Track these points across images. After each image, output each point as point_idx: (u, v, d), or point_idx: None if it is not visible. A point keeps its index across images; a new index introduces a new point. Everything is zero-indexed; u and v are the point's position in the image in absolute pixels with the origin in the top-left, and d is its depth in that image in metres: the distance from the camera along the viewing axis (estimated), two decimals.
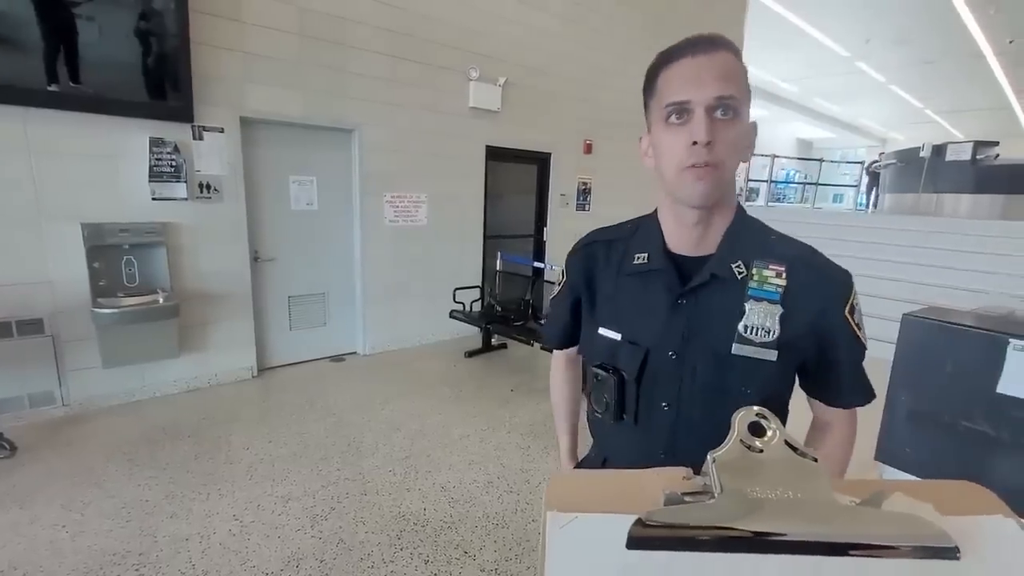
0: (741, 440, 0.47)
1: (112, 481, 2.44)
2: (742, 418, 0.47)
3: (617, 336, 0.81)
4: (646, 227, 0.83)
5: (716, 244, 0.77)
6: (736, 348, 0.73)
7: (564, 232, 5.77)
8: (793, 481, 0.45)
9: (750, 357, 0.73)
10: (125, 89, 3.01)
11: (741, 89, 0.69)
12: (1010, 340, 2.21)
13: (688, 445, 0.78)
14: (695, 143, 0.67)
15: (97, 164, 3.01)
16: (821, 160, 12.89)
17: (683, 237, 0.78)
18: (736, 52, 0.71)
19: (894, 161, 9.92)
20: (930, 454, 2.50)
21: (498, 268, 4.87)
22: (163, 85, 3.13)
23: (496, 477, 2.62)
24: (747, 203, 10.16)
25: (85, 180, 2.99)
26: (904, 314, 2.58)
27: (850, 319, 0.75)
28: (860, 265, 5.77)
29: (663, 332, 0.77)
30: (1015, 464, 2.23)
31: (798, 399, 0.85)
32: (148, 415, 3.14)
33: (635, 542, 0.44)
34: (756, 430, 0.47)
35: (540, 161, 5.60)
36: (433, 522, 2.24)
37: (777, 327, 0.72)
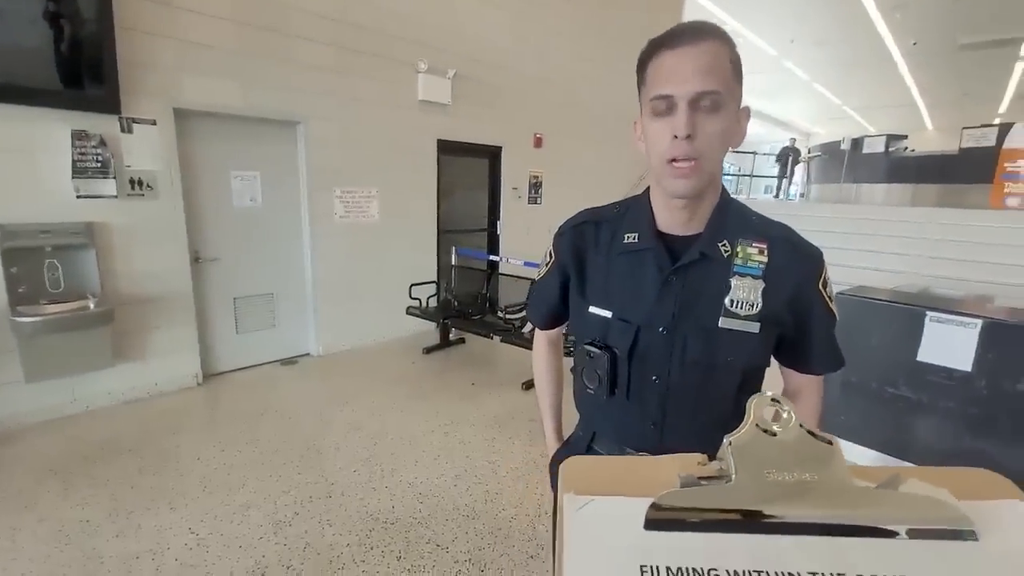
0: (756, 424, 0.46)
1: (45, 503, 2.25)
2: (757, 403, 0.47)
3: (608, 314, 0.84)
4: (636, 208, 0.86)
5: (703, 224, 0.81)
6: (723, 322, 0.78)
7: (517, 225, 5.82)
8: (809, 464, 0.45)
9: (735, 330, 0.78)
10: (39, 77, 2.75)
11: (726, 80, 0.71)
12: (928, 313, 2.45)
13: (677, 416, 0.82)
14: (676, 136, 0.70)
15: (9, 159, 2.74)
16: (754, 153, 13.64)
17: (672, 218, 0.82)
18: (724, 40, 0.73)
19: (819, 153, 10.67)
20: (861, 420, 2.73)
21: (453, 263, 4.84)
22: (85, 73, 2.88)
23: (463, 470, 2.63)
24: None
25: None
26: (837, 292, 2.80)
27: (823, 291, 0.81)
28: None
29: (653, 309, 0.81)
30: (934, 423, 2.48)
31: (770, 373, 0.91)
32: (81, 431, 2.90)
33: (653, 523, 0.44)
34: (770, 414, 0.48)
35: (491, 155, 5.60)
36: (403, 519, 2.22)
37: (760, 301, 0.78)
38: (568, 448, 1.02)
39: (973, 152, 7.30)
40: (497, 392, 3.65)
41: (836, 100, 15.43)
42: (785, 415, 0.47)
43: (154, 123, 3.19)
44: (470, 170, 5.57)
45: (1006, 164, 6.60)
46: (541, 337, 1.09)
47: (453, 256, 4.84)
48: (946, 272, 5.18)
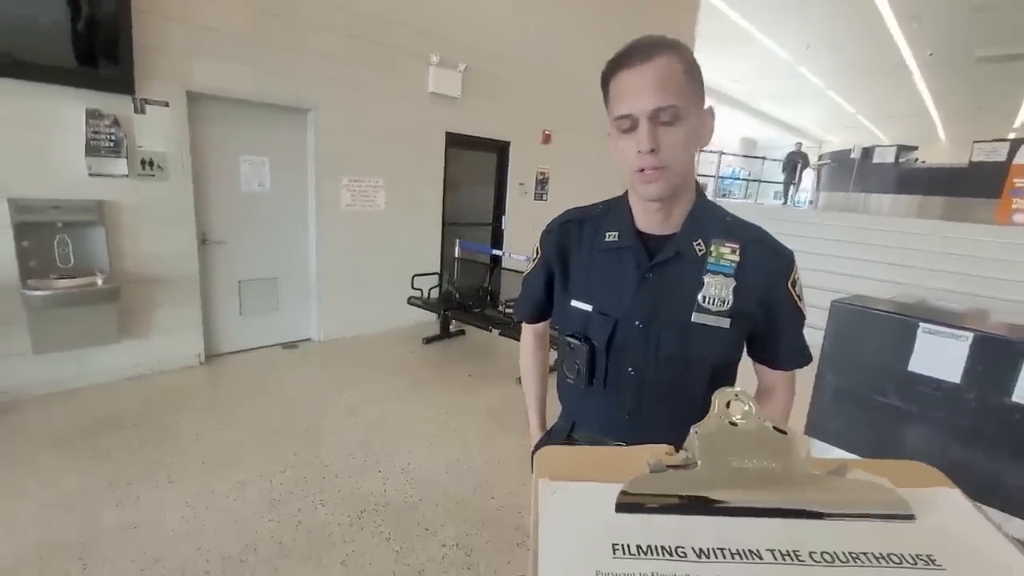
0: (720, 416, 0.50)
1: (48, 470, 2.32)
2: (721, 396, 0.50)
3: (589, 308, 0.88)
4: (617, 208, 0.91)
5: (679, 224, 0.85)
6: (695, 316, 0.82)
7: (522, 221, 5.85)
8: (768, 452, 0.48)
9: (707, 324, 0.82)
10: (56, 55, 2.80)
11: (681, 91, 0.74)
12: (920, 324, 2.47)
13: (651, 406, 0.86)
14: (640, 152, 0.75)
15: (25, 134, 2.80)
16: (764, 158, 13.59)
17: (649, 218, 0.86)
18: (676, 51, 0.75)
19: (829, 161, 10.63)
20: (850, 427, 2.76)
21: (456, 255, 4.89)
22: (101, 53, 2.94)
23: (456, 459, 2.68)
24: None
25: (12, 152, 2.77)
26: (833, 301, 2.82)
27: (792, 291, 0.85)
28: (801, 259, 6.18)
29: (631, 304, 0.85)
30: (921, 433, 2.51)
31: (745, 372, 0.94)
32: (86, 403, 2.98)
33: (624, 507, 0.47)
34: (732, 407, 0.51)
35: (499, 149, 5.63)
36: (394, 503, 2.27)
37: (731, 297, 0.82)
38: (550, 437, 1.07)
39: (983, 166, 7.26)
40: (494, 384, 3.70)
41: (850, 108, 15.33)
42: (747, 408, 0.50)
43: (167, 105, 3.24)
44: (477, 164, 5.60)
45: (1015, 180, 6.58)
46: (528, 331, 1.13)
47: (457, 249, 4.88)
48: (947, 285, 5.18)
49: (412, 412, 3.17)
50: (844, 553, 0.42)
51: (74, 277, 2.92)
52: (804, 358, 0.90)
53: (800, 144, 12.11)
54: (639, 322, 0.84)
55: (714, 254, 0.83)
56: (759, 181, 12.69)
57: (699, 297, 0.82)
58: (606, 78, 0.80)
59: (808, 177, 11.95)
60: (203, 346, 3.68)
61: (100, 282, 2.94)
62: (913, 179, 8.63)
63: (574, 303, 0.90)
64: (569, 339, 0.90)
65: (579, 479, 0.51)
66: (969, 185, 7.54)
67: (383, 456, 2.64)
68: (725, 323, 0.82)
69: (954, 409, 2.40)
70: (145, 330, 3.37)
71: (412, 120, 4.61)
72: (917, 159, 9.36)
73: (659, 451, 0.55)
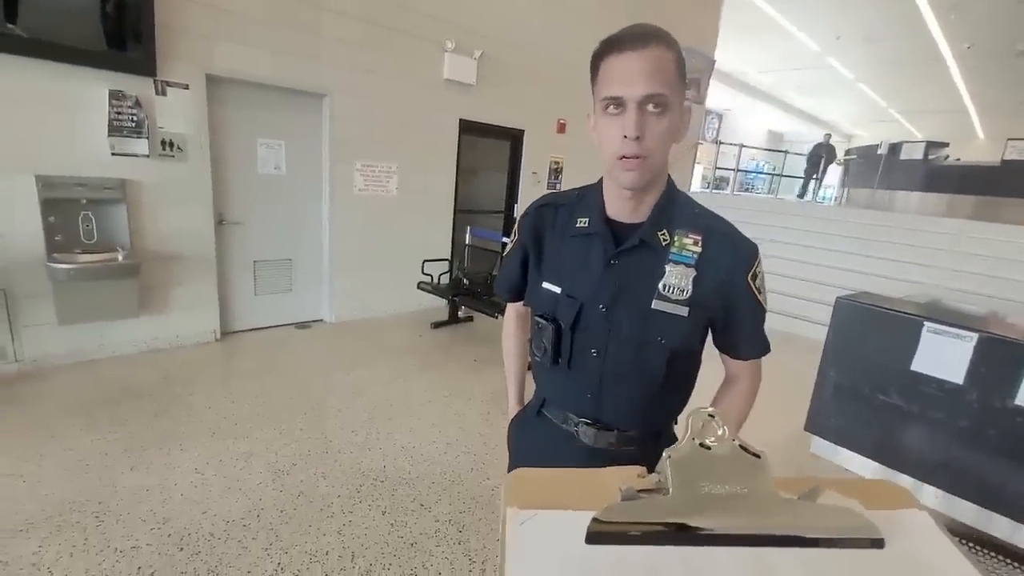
0: (693, 438, 0.49)
1: (69, 435, 2.45)
2: (694, 418, 0.50)
3: (557, 290, 0.92)
4: (590, 195, 0.93)
5: (647, 214, 0.87)
6: (655, 304, 0.85)
7: None
8: (740, 476, 0.48)
9: (666, 312, 0.85)
10: (81, 36, 2.90)
11: (672, 83, 0.76)
12: (925, 323, 2.44)
13: (612, 386, 0.90)
14: (626, 137, 0.76)
15: (51, 114, 2.91)
16: (786, 152, 13.27)
17: (620, 206, 0.88)
18: (669, 44, 0.77)
19: (855, 157, 10.34)
20: (850, 424, 2.75)
21: (467, 242, 4.94)
22: (124, 35, 3.03)
23: (455, 440, 2.75)
24: (715, 192, 10.42)
25: (39, 131, 2.89)
26: (837, 297, 2.80)
27: (751, 284, 0.87)
28: (812, 254, 6.07)
29: (596, 288, 0.88)
30: (923, 433, 2.49)
31: (714, 361, 0.97)
32: (106, 374, 3.12)
33: (593, 537, 0.46)
34: (708, 429, 0.50)
35: (513, 138, 5.63)
36: (392, 478, 2.35)
37: (690, 287, 0.84)
38: (524, 412, 1.11)
39: (1016, 164, 7.00)
40: (498, 370, 3.76)
41: (882, 102, 14.83)
42: (721, 431, 0.50)
43: (187, 87, 3.33)
44: (491, 152, 5.62)
45: None
46: (511, 311, 1.18)
47: (467, 236, 4.93)
48: (970, 287, 5.05)
49: (416, 393, 3.25)
50: None
51: (97, 252, 3.05)
52: (762, 348, 0.92)
53: (829, 136, 11.55)
54: (603, 306, 0.87)
55: (677, 244, 0.85)
56: (781, 175, 12.39)
57: (660, 285, 0.84)
58: (597, 58, 0.80)
59: (834, 172, 11.58)
60: (218, 323, 3.81)
61: (121, 258, 3.07)
62: (942, 177, 8.36)
63: (545, 284, 0.94)
64: (538, 319, 0.93)
65: (549, 507, 0.51)
66: (1001, 184, 7.28)
67: (385, 434, 2.73)
68: (684, 311, 0.84)
69: (956, 410, 2.38)
70: (163, 306, 3.50)
71: (426, 106, 4.64)
72: (948, 156, 9.05)
73: (631, 474, 0.55)
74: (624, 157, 0.78)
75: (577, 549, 0.45)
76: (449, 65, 4.63)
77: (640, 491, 0.50)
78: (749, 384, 0.95)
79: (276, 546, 1.88)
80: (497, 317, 3.99)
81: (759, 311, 0.89)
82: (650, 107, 0.75)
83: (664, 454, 0.49)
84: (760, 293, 0.88)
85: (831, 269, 5.83)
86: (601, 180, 0.92)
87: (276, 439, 2.59)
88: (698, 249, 0.84)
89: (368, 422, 2.84)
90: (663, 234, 0.85)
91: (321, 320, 4.51)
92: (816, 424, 2.90)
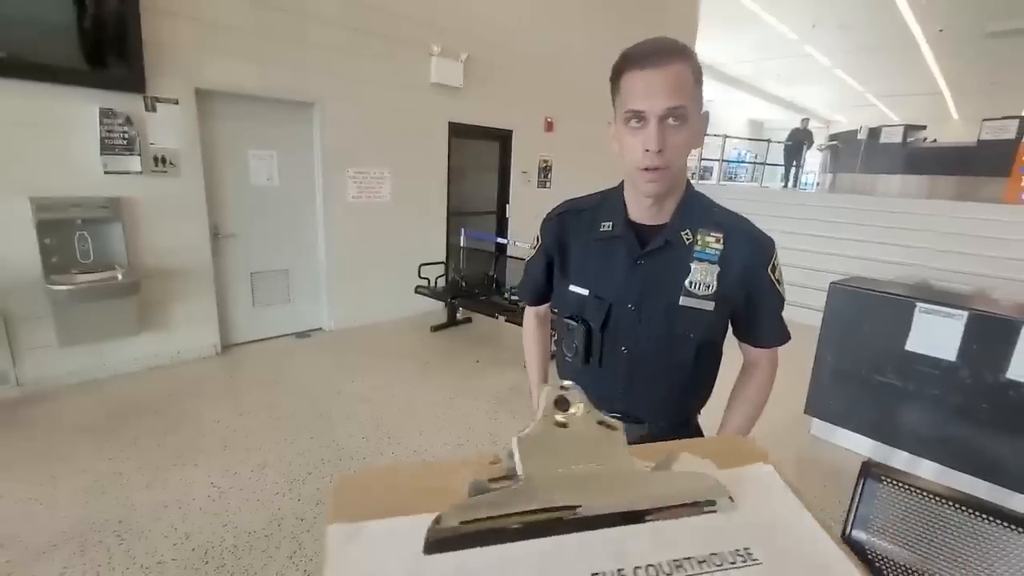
0: (546, 416, 0.43)
1: (80, 457, 2.45)
2: (547, 393, 0.44)
3: (585, 292, 0.96)
4: (612, 199, 0.97)
5: (669, 215, 0.92)
6: (683, 300, 0.90)
7: (526, 209, 5.90)
8: (595, 452, 0.44)
9: (693, 307, 0.90)
10: (68, 56, 2.88)
11: (691, 95, 0.80)
12: (917, 304, 2.53)
13: (642, 382, 0.94)
14: (648, 150, 0.80)
15: (43, 135, 2.89)
16: (769, 141, 13.45)
17: (642, 210, 0.93)
18: (688, 57, 0.81)
19: (835, 142, 10.52)
20: (848, 405, 2.83)
21: (462, 244, 4.96)
22: (112, 53, 3.01)
23: (465, 440, 2.78)
24: (701, 182, 10.55)
25: (31, 153, 2.87)
26: (831, 282, 2.88)
27: (771, 275, 0.92)
28: (801, 241, 6.18)
29: (624, 288, 0.93)
30: (918, 410, 2.58)
31: (733, 350, 1.02)
32: (110, 393, 3.11)
33: (433, 545, 0.39)
34: (562, 404, 0.44)
35: (502, 138, 5.67)
36: None
37: (715, 282, 0.89)
38: None
39: (992, 144, 7.19)
40: (500, 369, 3.80)
41: (859, 87, 15.07)
42: (575, 406, 0.44)
43: (176, 103, 3.32)
44: (481, 153, 5.65)
45: None
46: (531, 314, 1.21)
47: (462, 238, 4.96)
48: (954, 265, 5.19)
49: (421, 397, 3.28)
50: (668, 563, 0.39)
51: (95, 272, 3.03)
52: (783, 337, 0.98)
53: (807, 121, 11.25)
54: (631, 305, 0.92)
55: (700, 243, 0.90)
56: (764, 164, 12.56)
57: (686, 282, 0.89)
58: (618, 72, 0.83)
59: (814, 158, 11.71)
60: (219, 337, 3.80)
61: (120, 276, 3.06)
62: (921, 159, 8.55)
63: (572, 288, 0.98)
64: (568, 321, 0.98)
65: (380, 515, 0.43)
66: (978, 164, 7.47)
67: (395, 439, 2.75)
68: (710, 306, 0.89)
69: (950, 387, 2.47)
70: (164, 322, 3.49)
71: (415, 111, 4.66)
72: (926, 138, 9.25)
73: (481, 462, 0.48)
74: (646, 169, 0.82)
75: (413, 563, 0.38)
76: (436, 69, 4.65)
77: (491, 481, 0.44)
78: (768, 372, 1.00)
79: (300, 554, 1.91)
80: (497, 317, 4.03)
81: (779, 301, 0.94)
82: (670, 120, 0.79)
83: (513, 439, 0.43)
84: (779, 284, 0.93)
85: (820, 255, 5.95)
86: (621, 184, 0.96)
87: (288, 449, 2.61)
88: (720, 246, 0.89)
89: (376, 428, 2.87)
90: (686, 234, 0.90)
91: (321, 329, 4.52)
92: (815, 407, 2.98)
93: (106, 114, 3.05)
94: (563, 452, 0.43)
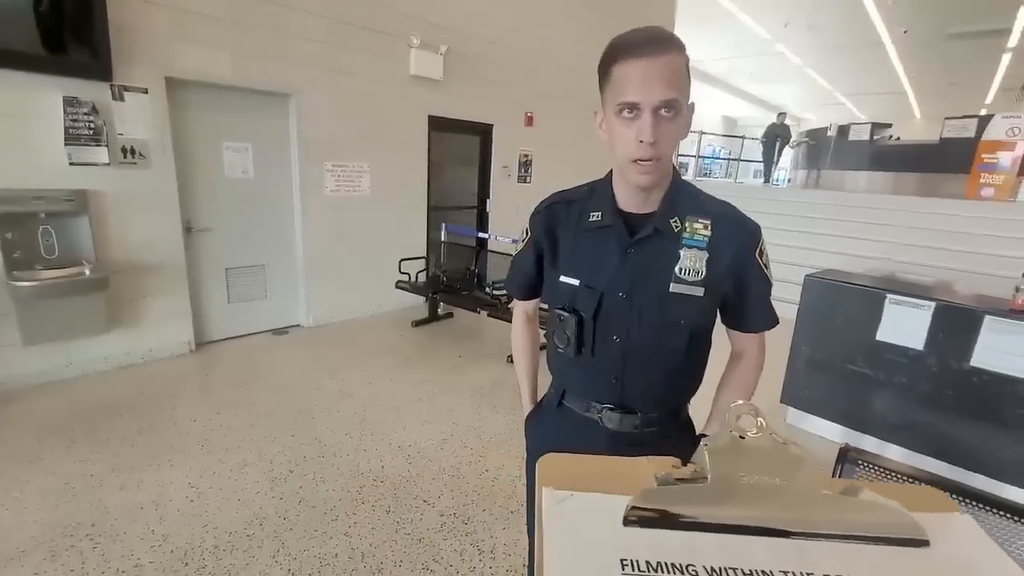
0: (732, 431, 0.48)
1: (49, 459, 2.36)
2: (734, 410, 0.49)
3: (576, 282, 0.97)
4: (600, 190, 0.98)
5: (657, 203, 0.93)
6: (673, 287, 0.91)
7: (507, 203, 5.89)
8: (778, 468, 0.47)
9: (684, 294, 0.91)
10: (30, 42, 2.75)
11: (682, 86, 0.81)
12: (887, 295, 2.62)
13: (635, 370, 0.95)
14: (642, 141, 0.80)
15: (3, 124, 2.75)
16: (743, 137, 13.73)
17: (631, 199, 0.94)
18: (680, 48, 0.81)
19: (807, 139, 10.79)
20: (821, 394, 2.92)
21: (443, 239, 4.93)
22: (77, 39, 2.89)
23: (450, 435, 2.78)
24: None
25: None
26: (806, 275, 2.96)
27: (759, 260, 0.94)
28: (778, 236, 6.34)
29: (615, 277, 0.93)
30: (887, 397, 2.68)
31: (720, 342, 1.04)
32: (79, 393, 3.00)
33: (631, 520, 0.46)
34: (746, 422, 0.50)
35: (482, 132, 5.64)
36: (392, 477, 2.37)
37: (704, 269, 0.91)
38: (541, 408, 1.15)
39: (953, 142, 7.46)
40: (483, 364, 3.80)
41: (828, 86, 15.49)
42: (759, 422, 0.49)
43: (146, 91, 3.20)
44: (461, 147, 5.61)
45: (984, 155, 6.80)
46: (519, 310, 1.21)
47: (443, 232, 4.92)
48: (918, 259, 5.39)
49: (404, 393, 3.25)
50: None
51: (60, 268, 2.91)
52: (771, 320, 1.00)
53: (783, 115, 10.89)
54: (623, 293, 0.93)
55: (688, 230, 0.91)
56: (739, 160, 12.82)
57: (676, 269, 0.91)
58: (609, 61, 0.83)
59: (787, 155, 11.95)
60: (193, 334, 3.70)
61: (87, 272, 2.94)
62: (887, 156, 8.83)
63: (563, 278, 0.98)
64: (559, 312, 0.98)
65: (584, 489, 0.51)
66: (940, 161, 7.75)
67: (379, 435, 2.73)
68: (700, 292, 0.91)
69: (918, 375, 2.57)
70: (135, 319, 3.38)
71: (395, 104, 4.59)
72: (891, 136, 9.56)
73: (665, 463, 0.55)
74: (639, 160, 0.83)
75: (614, 531, 0.46)
76: (415, 61, 4.59)
77: (677, 479, 0.50)
78: (757, 357, 1.03)
79: (283, 553, 1.88)
80: (479, 312, 4.02)
81: (767, 285, 0.96)
82: (663, 112, 0.80)
83: (702, 443, 0.49)
84: (767, 268, 0.95)
85: (793, 249, 6.11)
86: (609, 174, 0.97)
87: (268, 447, 2.56)
88: (708, 233, 0.91)
89: (359, 424, 2.84)
90: (674, 221, 0.91)
91: (299, 325, 4.44)
92: (790, 395, 3.07)
93: (70, 103, 2.92)
94: (746, 463, 0.48)
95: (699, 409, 1.09)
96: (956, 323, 2.43)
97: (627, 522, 0.46)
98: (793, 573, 0.41)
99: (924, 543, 0.45)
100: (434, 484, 2.33)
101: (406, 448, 2.62)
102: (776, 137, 10.64)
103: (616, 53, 0.82)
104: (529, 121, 5.97)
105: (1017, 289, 2.33)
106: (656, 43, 0.79)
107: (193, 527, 1.98)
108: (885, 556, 0.44)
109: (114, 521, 1.98)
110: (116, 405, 2.87)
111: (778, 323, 1.01)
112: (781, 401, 3.09)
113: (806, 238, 6.26)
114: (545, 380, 1.17)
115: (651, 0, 7.19)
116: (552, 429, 1.08)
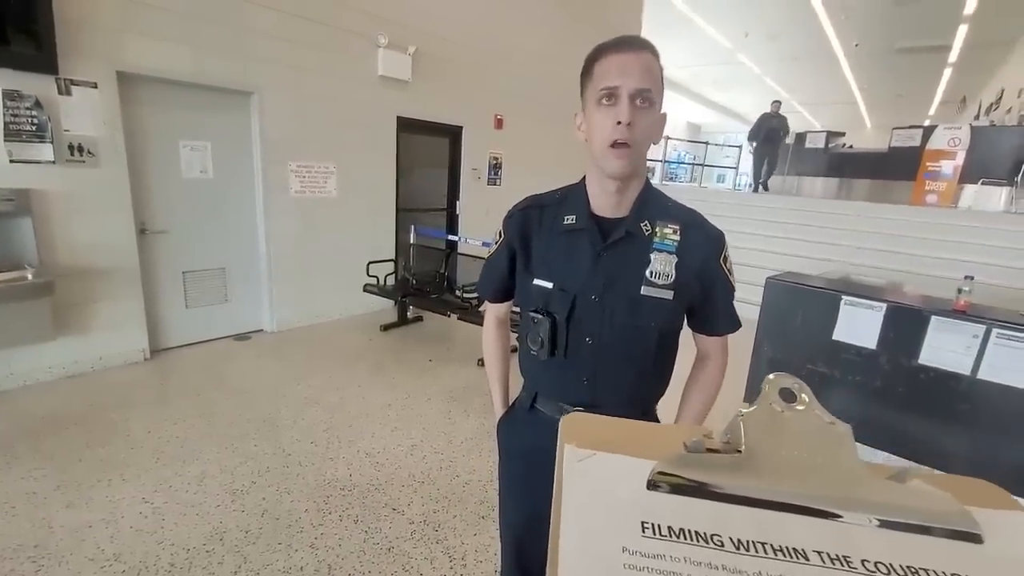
0: (770, 403, 0.45)
1: None
2: (773, 382, 0.45)
3: (549, 285, 0.97)
4: (575, 194, 0.99)
5: (629, 208, 0.95)
6: (644, 290, 0.93)
7: (477, 206, 5.87)
8: (820, 446, 0.44)
9: (654, 296, 0.93)
10: None
11: (657, 85, 0.87)
12: (843, 297, 2.73)
13: (606, 370, 0.96)
14: (619, 123, 0.84)
15: None
16: (707, 143, 14.12)
17: (604, 202, 0.95)
18: (656, 55, 0.89)
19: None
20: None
21: (412, 241, 4.87)
22: (18, 28, 2.72)
23: (419, 441, 2.74)
24: None
25: None
26: (767, 278, 3.06)
27: (723, 266, 0.97)
28: (742, 240, 6.53)
29: (587, 280, 0.94)
30: (844, 394, 2.79)
31: (685, 346, 1.05)
32: (21, 405, 2.81)
33: (656, 484, 0.44)
34: (787, 396, 0.46)
35: (452, 134, 5.61)
36: (360, 485, 2.31)
37: (673, 272, 0.93)
38: (513, 411, 1.15)
39: (901, 151, 7.88)
40: (453, 368, 3.76)
41: (785, 94, 16.10)
42: (803, 396, 0.45)
43: (95, 86, 3.04)
44: (430, 149, 5.56)
45: (928, 164, 7.18)
46: (491, 313, 1.20)
47: (412, 235, 4.86)
48: (871, 262, 5.65)
49: (373, 398, 3.19)
50: (902, 567, 0.38)
51: (0, 271, 2.73)
52: (735, 324, 1.03)
53: (778, 104, 8.67)
54: (595, 296, 0.94)
55: (659, 234, 0.93)
56: (703, 165, 13.18)
57: (646, 272, 0.93)
58: (593, 60, 0.89)
59: (746, 161, 12.32)
60: (147, 341, 3.53)
61: (30, 276, 2.77)
62: (841, 163, 9.25)
63: (536, 281, 0.99)
64: (532, 314, 0.98)
65: (607, 450, 0.49)
66: (889, 168, 8.17)
67: (346, 442, 2.67)
68: (669, 295, 0.93)
69: (871, 372, 2.68)
70: (84, 326, 3.20)
71: (362, 104, 4.52)
72: (845, 144, 10.02)
73: (696, 431, 0.52)
74: (616, 143, 0.85)
75: (637, 493, 0.43)
76: (383, 61, 4.52)
77: (708, 449, 0.47)
78: (721, 359, 1.05)
79: (245, 568, 1.81)
80: (449, 315, 3.98)
81: (730, 290, 0.99)
82: (638, 101, 0.84)
83: (738, 411, 0.46)
84: (731, 274, 0.98)
85: (755, 252, 6.31)
86: (583, 180, 0.98)
87: (229, 458, 2.46)
88: (677, 238, 0.93)
89: (326, 432, 2.76)
90: (645, 225, 0.94)
91: (262, 330, 4.30)
92: (754, 395, 3.15)
93: (10, 96, 2.75)
94: (783, 437, 0.44)
95: (667, 410, 1.11)
96: (905, 323, 2.55)
97: (651, 486, 0.44)
98: (828, 554, 0.39)
99: (977, 538, 0.42)
100: (403, 491, 2.29)
101: (374, 455, 2.57)
102: (769, 131, 8.54)
103: (598, 53, 0.88)
104: (499, 123, 5.97)
105: (959, 291, 2.47)
106: (636, 43, 0.86)
107: (147, 544, 1.88)
108: (931, 548, 0.41)
109: (59, 541, 1.87)
110: (62, 417, 2.71)
111: (741, 326, 1.04)
112: (744, 400, 3.17)
113: (767, 241, 6.47)
114: (516, 383, 1.16)
115: (616, 6, 7.32)
116: (525, 433, 1.08)
